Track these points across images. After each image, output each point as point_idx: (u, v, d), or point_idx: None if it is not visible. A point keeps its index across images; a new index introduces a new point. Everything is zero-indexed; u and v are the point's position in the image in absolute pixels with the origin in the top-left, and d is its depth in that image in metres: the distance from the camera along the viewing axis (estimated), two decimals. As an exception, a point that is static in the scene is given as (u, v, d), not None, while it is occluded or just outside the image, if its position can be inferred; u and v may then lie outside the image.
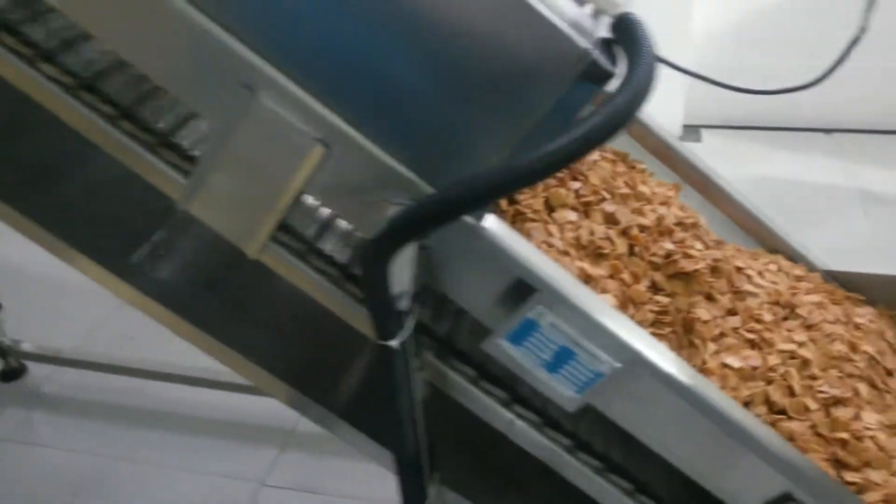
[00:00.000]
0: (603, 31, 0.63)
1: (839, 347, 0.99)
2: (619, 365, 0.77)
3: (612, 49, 0.62)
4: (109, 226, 0.93)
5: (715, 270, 1.03)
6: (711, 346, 0.94)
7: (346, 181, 0.76)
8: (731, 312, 1.01)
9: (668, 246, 1.00)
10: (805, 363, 0.95)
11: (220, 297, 0.97)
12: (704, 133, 3.36)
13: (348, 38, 0.66)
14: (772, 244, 1.25)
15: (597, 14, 0.66)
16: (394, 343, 0.74)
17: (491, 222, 0.73)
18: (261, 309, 0.97)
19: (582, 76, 0.60)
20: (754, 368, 0.94)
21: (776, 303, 1.06)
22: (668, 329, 0.95)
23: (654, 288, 0.98)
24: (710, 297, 1.01)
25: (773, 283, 1.09)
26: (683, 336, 0.96)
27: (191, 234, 1.02)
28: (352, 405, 0.95)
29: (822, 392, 0.93)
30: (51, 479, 1.82)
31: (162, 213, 0.98)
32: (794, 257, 1.23)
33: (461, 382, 0.88)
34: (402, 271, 0.72)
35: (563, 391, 0.80)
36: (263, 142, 0.75)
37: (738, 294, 1.05)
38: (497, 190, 0.59)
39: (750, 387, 0.92)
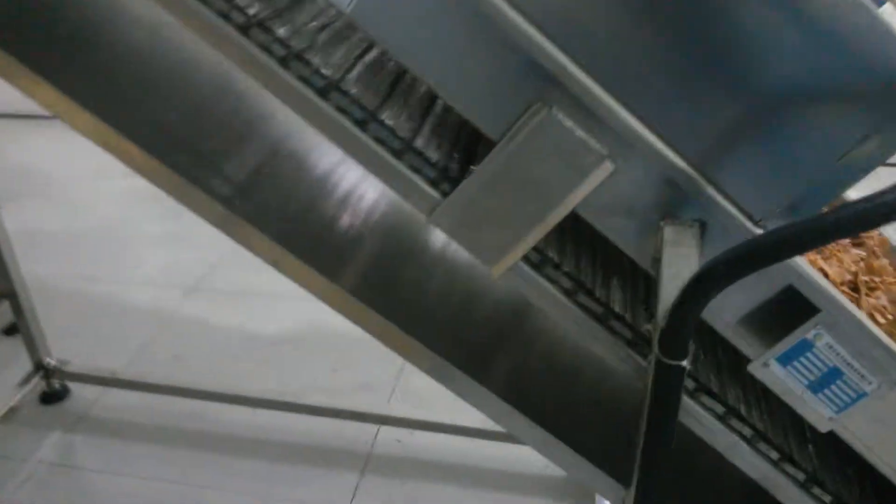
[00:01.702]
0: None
1: None
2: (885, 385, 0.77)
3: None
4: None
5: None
6: None
7: (625, 199, 0.76)
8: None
9: None
10: None
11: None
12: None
13: (676, 46, 0.66)
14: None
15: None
16: (684, 363, 0.72)
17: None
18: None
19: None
20: None
21: None
22: None
23: None
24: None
25: None
26: None
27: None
28: (572, 429, 0.93)
29: None
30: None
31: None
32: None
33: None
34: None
35: (821, 412, 0.80)
36: (546, 158, 0.74)
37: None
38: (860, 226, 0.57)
39: None
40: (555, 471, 1.78)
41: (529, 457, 1.75)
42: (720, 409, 0.89)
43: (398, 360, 2.04)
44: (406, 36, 0.72)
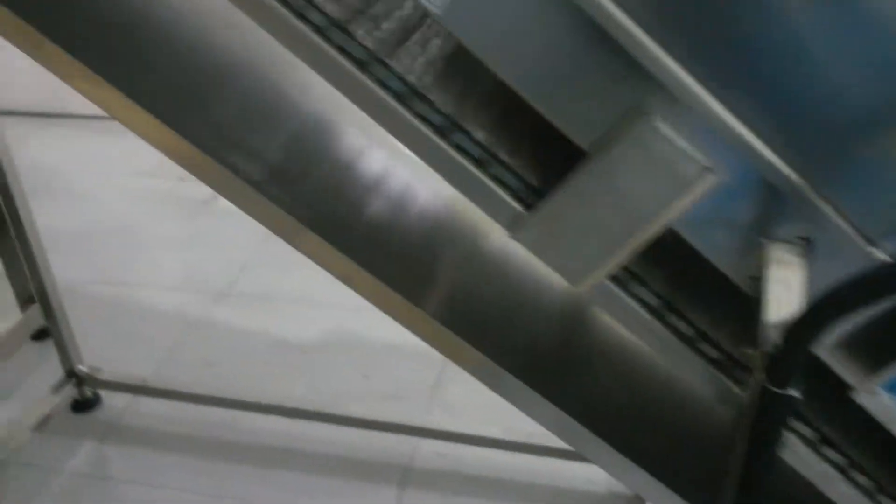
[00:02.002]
0: None
1: None
2: None
3: None
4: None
5: None
6: None
7: (726, 213, 0.71)
8: None
9: None
10: None
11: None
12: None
13: (792, 48, 0.61)
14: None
15: None
16: (795, 392, 0.67)
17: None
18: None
19: None
20: None
21: None
22: None
23: None
24: None
25: None
26: None
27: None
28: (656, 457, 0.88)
29: None
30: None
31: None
32: None
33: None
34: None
35: (928, 443, 0.75)
36: (643, 170, 0.69)
37: None
38: None
39: None
40: (598, 486, 1.73)
41: (571, 472, 1.71)
42: (841, 460, 0.83)
43: (433, 367, 2.02)
44: (494, 36, 0.67)
